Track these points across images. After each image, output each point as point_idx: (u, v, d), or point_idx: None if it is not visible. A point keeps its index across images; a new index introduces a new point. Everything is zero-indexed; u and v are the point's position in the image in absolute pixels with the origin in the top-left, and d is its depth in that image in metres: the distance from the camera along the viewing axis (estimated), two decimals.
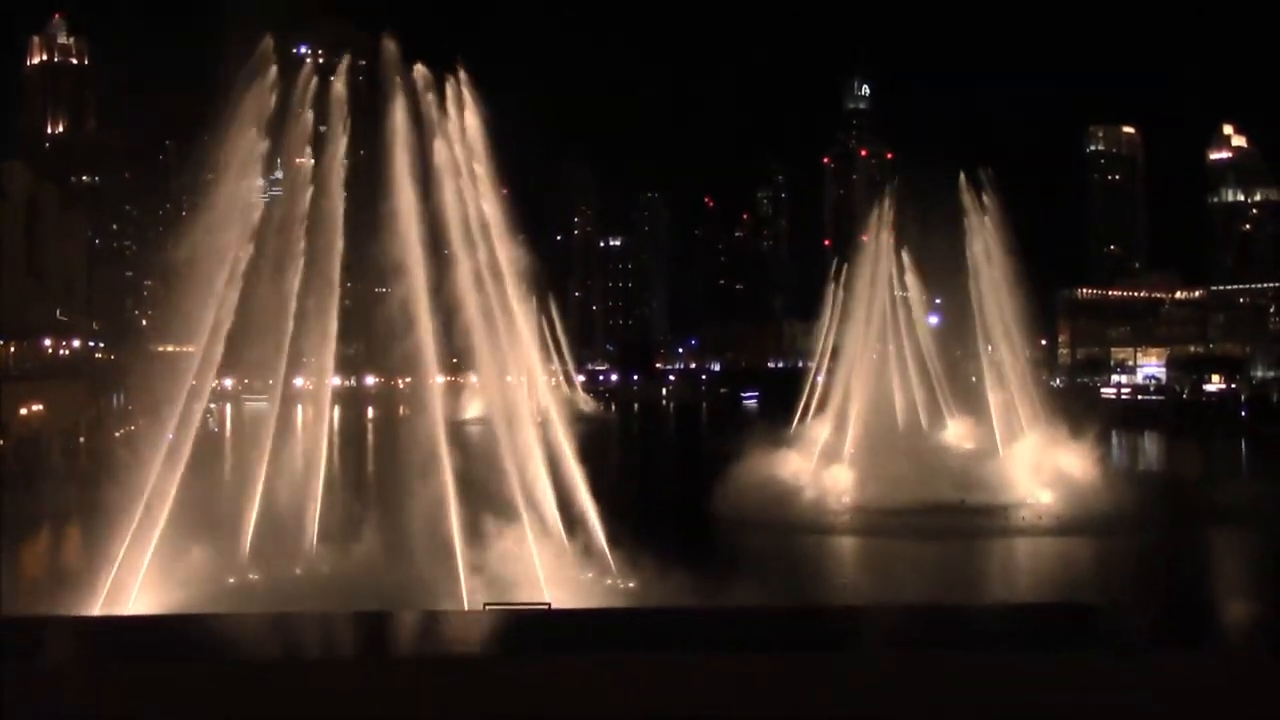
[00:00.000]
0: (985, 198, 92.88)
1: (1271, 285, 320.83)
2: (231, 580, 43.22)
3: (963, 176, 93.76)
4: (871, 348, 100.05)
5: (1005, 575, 65.53)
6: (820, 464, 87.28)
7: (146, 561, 39.58)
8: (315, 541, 46.67)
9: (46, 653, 8.86)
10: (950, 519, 74.22)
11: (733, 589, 43.26)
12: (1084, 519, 73.18)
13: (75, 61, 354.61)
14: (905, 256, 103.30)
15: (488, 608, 26.46)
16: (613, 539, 45.61)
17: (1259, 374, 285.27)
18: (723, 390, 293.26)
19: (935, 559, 66.09)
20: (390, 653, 9.75)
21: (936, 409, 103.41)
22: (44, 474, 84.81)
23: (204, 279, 45.57)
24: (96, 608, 37.01)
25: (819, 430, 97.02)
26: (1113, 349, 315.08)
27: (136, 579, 38.93)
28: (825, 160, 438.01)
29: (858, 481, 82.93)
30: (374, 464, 47.76)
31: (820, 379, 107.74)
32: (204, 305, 45.11)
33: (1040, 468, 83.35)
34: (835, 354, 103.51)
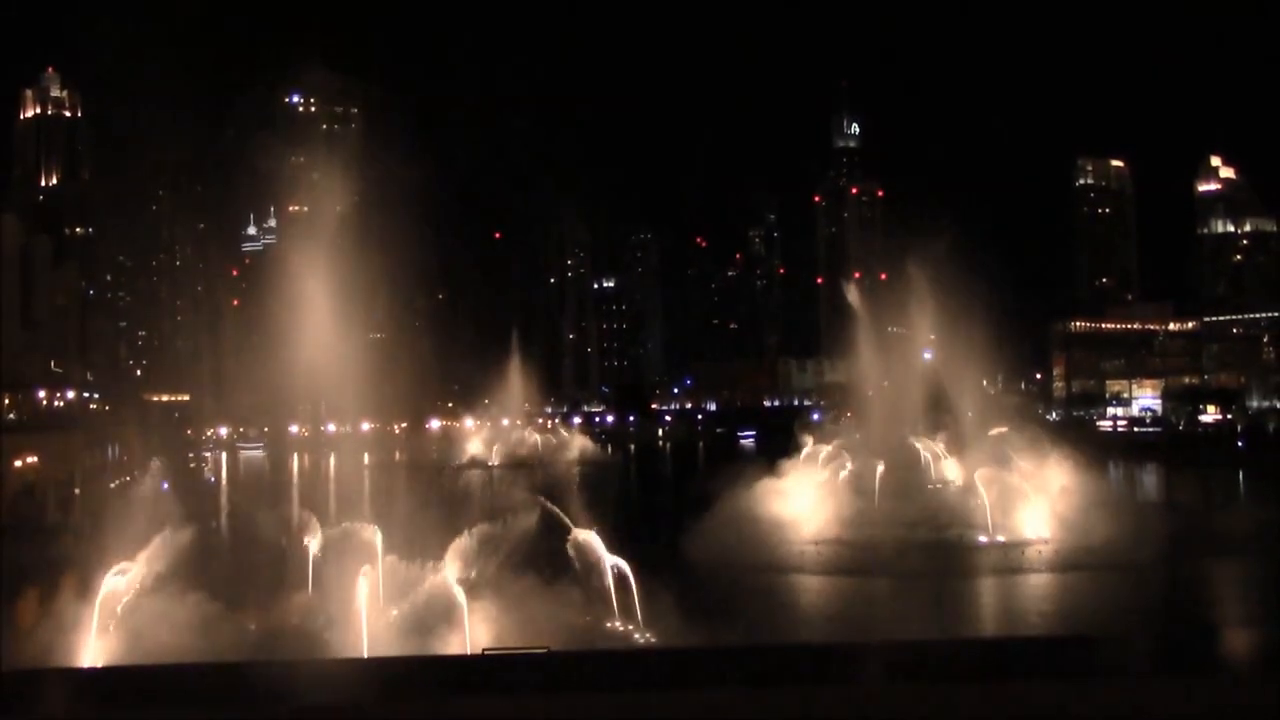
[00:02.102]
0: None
1: (1265, 315, 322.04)
2: (230, 628, 42.81)
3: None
4: (867, 385, 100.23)
5: (1003, 612, 65.15)
6: (816, 502, 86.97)
7: (143, 611, 39.34)
8: (311, 589, 46.35)
9: (45, 705, 8.78)
10: (949, 557, 73.97)
11: (739, 631, 43.05)
12: (1082, 554, 72.89)
13: (68, 114, 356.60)
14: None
15: (486, 652, 26.31)
16: (616, 583, 45.32)
17: (1255, 404, 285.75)
18: (719, 430, 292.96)
19: (935, 597, 65.73)
20: (389, 696, 9.68)
21: (933, 445, 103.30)
22: (39, 526, 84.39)
23: (197, 328, 45.61)
24: (93, 660, 36.74)
25: (815, 468, 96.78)
26: (1108, 381, 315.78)
27: (132, 629, 38.68)
28: (816, 198, 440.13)
29: (853, 519, 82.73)
30: (371, 510, 47.51)
31: (817, 416, 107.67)
32: (196, 355, 45.13)
33: (1038, 503, 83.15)
34: (832, 392, 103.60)
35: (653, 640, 41.97)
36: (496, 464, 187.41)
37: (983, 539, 78.32)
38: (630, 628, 43.78)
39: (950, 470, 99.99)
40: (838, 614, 63.55)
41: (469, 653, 35.82)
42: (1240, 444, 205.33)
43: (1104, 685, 9.01)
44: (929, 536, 77.62)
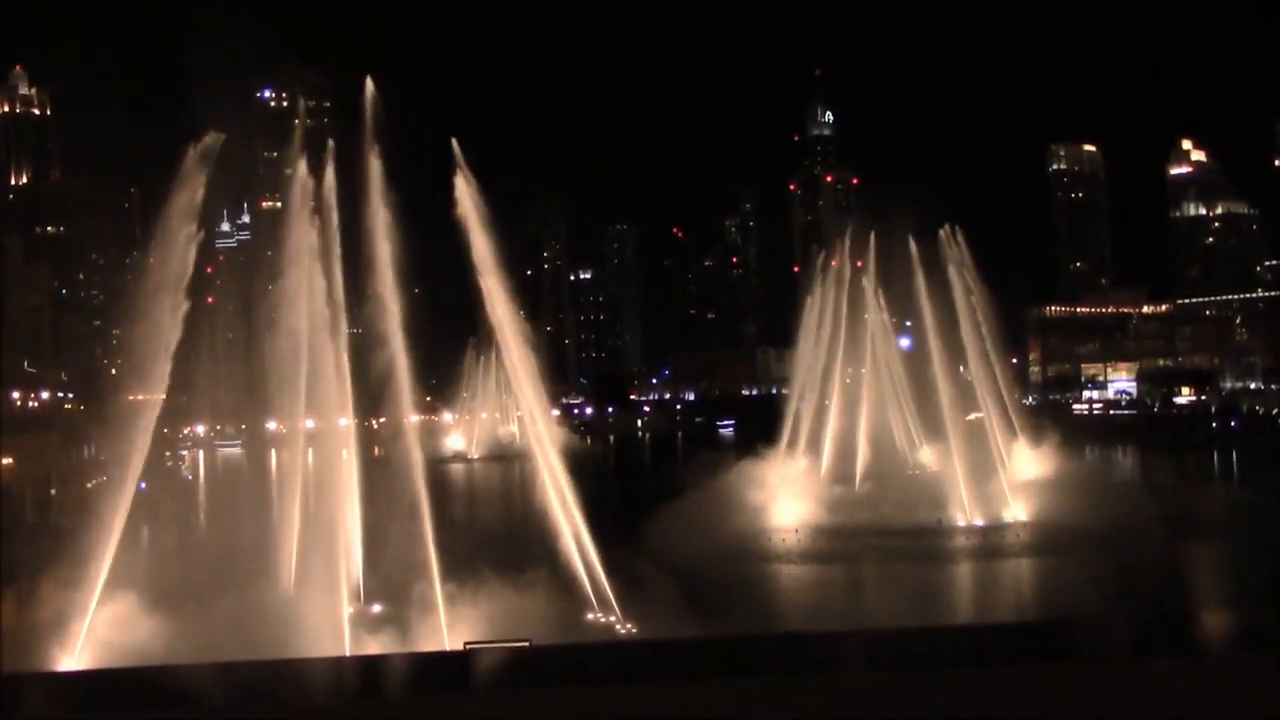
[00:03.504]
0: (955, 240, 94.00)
1: (1237, 297, 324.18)
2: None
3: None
4: (844, 372, 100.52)
5: (984, 595, 65.52)
6: (796, 489, 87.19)
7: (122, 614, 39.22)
8: (294, 585, 46.24)
9: (33, 708, 8.75)
10: (928, 541, 74.37)
11: (719, 621, 43.20)
12: (1060, 537, 73.38)
13: (37, 112, 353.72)
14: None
15: (468, 646, 26.32)
16: (596, 574, 45.39)
17: (1228, 385, 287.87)
18: (698, 419, 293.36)
19: (916, 581, 66.04)
20: (374, 694, 9.67)
21: (910, 431, 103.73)
22: (16, 527, 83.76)
23: (170, 326, 45.29)
24: (77, 662, 36.60)
25: (796, 457, 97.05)
26: (1083, 365, 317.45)
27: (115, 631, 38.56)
28: (791, 187, 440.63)
29: (833, 505, 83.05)
30: (351, 504, 47.42)
31: (797, 405, 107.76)
32: (171, 352, 44.80)
33: (1015, 486, 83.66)
34: (810, 379, 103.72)
35: (633, 631, 42.08)
36: (476, 457, 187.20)
37: (961, 522, 78.75)
38: (611, 619, 43.87)
39: (927, 455, 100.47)
40: (818, 601, 63.80)
41: (450, 648, 35.84)
42: (1214, 425, 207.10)
43: (1082, 668, 9.10)
44: (907, 521, 78.00)
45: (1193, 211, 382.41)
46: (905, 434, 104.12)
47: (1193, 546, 71.74)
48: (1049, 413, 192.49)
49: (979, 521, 78.64)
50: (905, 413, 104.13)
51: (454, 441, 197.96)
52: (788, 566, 71.44)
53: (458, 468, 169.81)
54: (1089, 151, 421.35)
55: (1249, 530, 73.72)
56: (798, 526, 78.87)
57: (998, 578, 68.92)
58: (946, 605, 60.52)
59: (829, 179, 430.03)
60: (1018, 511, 79.88)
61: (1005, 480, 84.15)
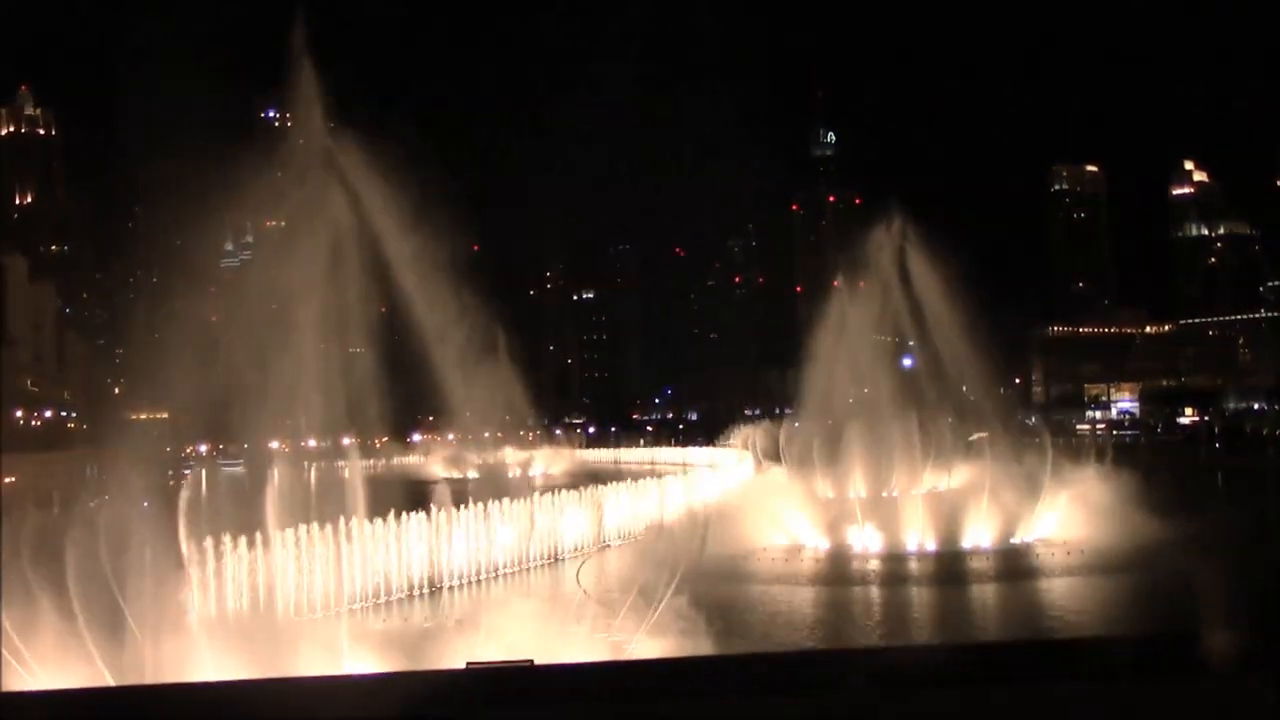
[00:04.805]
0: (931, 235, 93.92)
1: (1239, 317, 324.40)
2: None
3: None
4: (848, 391, 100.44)
5: (997, 618, 65.18)
6: (796, 509, 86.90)
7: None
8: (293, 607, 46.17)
9: None
10: (929, 563, 74.03)
11: (720, 641, 42.95)
12: (1066, 558, 73.05)
13: (42, 132, 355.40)
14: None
15: (470, 666, 26.21)
16: (603, 591, 45.28)
17: (1231, 405, 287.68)
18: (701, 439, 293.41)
19: (912, 604, 65.75)
20: (376, 714, 9.58)
21: (915, 451, 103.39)
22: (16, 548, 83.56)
23: (175, 345, 45.43)
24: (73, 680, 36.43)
25: (798, 476, 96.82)
26: (1086, 385, 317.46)
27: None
28: (794, 207, 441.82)
29: (836, 525, 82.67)
30: (349, 520, 47.38)
31: (800, 424, 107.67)
32: (176, 371, 44.93)
33: (1018, 506, 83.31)
34: (813, 399, 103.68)
35: (638, 650, 41.86)
36: (479, 476, 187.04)
37: (966, 545, 78.39)
38: (619, 638, 43.71)
39: (931, 475, 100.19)
40: (819, 622, 63.47)
41: (450, 668, 35.68)
42: (1218, 445, 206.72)
43: (1094, 688, 9.02)
44: (908, 543, 77.70)
45: (1194, 232, 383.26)
46: (909, 454, 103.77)
47: (1199, 567, 71.38)
48: (1053, 433, 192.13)
49: (984, 544, 78.30)
50: (909, 432, 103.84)
51: (455, 460, 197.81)
52: (784, 589, 70.98)
53: (453, 486, 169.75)
54: (1091, 172, 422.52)
55: (1266, 551, 73.20)
56: (798, 546, 78.58)
57: (999, 601, 68.56)
58: (946, 628, 60.14)
59: (831, 199, 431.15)
60: (1024, 533, 79.56)
61: (1007, 500, 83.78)
